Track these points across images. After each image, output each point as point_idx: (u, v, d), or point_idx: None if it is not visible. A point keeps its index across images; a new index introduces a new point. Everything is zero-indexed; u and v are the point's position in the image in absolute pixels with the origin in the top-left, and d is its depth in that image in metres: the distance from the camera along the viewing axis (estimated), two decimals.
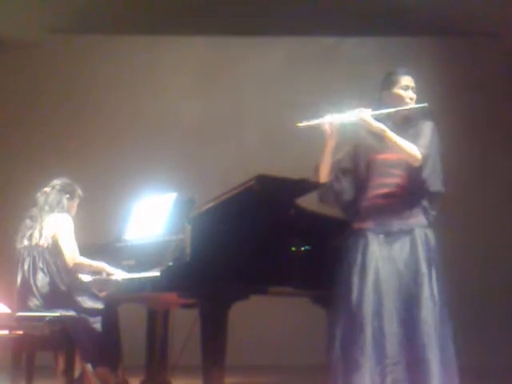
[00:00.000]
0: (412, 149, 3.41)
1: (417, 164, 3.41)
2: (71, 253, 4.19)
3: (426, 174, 3.41)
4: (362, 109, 3.45)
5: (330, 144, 3.53)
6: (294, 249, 3.96)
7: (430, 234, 3.46)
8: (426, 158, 3.41)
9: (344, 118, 3.46)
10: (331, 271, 3.50)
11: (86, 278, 4.34)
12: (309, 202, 4.20)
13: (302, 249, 3.98)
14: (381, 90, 3.59)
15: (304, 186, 4.13)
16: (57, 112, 8.11)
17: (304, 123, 3.50)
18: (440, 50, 7.99)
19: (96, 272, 4.33)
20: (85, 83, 8.16)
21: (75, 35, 8.16)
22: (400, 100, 3.52)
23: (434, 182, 3.45)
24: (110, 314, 4.24)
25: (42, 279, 4.15)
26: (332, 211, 3.94)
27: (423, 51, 7.89)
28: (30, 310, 4.13)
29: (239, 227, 3.86)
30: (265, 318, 7.26)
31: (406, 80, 3.55)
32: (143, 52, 8.27)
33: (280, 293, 4.15)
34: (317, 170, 3.60)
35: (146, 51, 8.27)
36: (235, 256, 3.76)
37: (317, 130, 3.53)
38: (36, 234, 4.24)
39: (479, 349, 7.01)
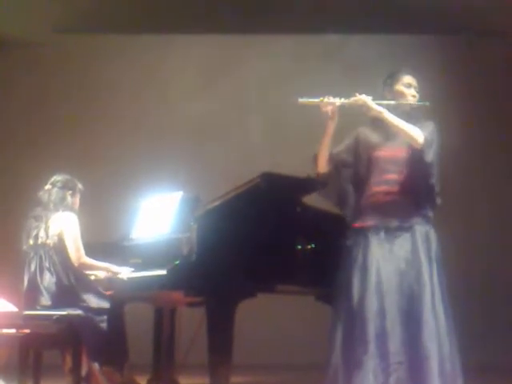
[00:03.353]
0: (414, 130, 3.41)
1: (418, 146, 3.40)
2: (77, 252, 4.20)
3: (429, 158, 3.40)
4: (364, 95, 3.47)
5: (330, 126, 3.53)
6: (300, 247, 3.96)
7: (431, 231, 3.45)
8: (429, 142, 3.41)
9: (345, 101, 3.47)
10: (335, 270, 3.50)
11: (92, 276, 4.35)
12: (315, 200, 4.21)
13: (309, 247, 3.97)
14: (383, 87, 3.61)
15: (310, 183, 4.12)
16: (62, 112, 8.11)
17: (304, 99, 3.50)
18: (444, 48, 7.98)
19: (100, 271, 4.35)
20: (90, 83, 8.16)
21: (80, 35, 8.15)
22: (402, 97, 3.54)
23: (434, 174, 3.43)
24: (116, 313, 4.25)
25: (48, 279, 4.16)
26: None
27: (427, 49, 7.88)
28: (38, 309, 4.14)
29: (245, 225, 3.86)
30: (272, 317, 7.25)
31: (409, 79, 3.58)
32: (148, 51, 8.27)
33: (287, 291, 4.15)
34: (315, 157, 3.60)
35: (150, 50, 8.27)
36: (241, 254, 3.76)
37: (322, 128, 3.54)
38: (42, 233, 4.24)
39: (485, 347, 7.00)
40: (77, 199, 4.43)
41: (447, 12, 7.61)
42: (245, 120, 8.20)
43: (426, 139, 3.41)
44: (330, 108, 3.48)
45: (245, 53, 8.24)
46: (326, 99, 3.48)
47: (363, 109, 3.46)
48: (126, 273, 4.18)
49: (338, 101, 3.47)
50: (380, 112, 3.44)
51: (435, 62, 7.59)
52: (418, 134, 3.41)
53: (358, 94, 3.46)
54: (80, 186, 4.45)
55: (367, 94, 3.51)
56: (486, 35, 7.97)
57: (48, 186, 4.38)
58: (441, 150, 3.51)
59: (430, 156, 3.41)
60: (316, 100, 3.49)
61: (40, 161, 7.73)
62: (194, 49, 8.28)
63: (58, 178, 4.41)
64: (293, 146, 7.78)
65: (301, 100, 3.51)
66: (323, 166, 3.58)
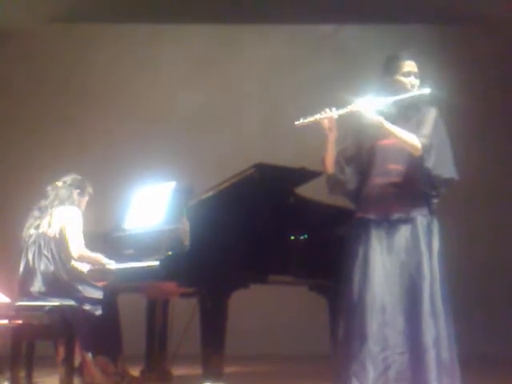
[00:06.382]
0: (412, 139, 3.36)
1: (418, 154, 3.36)
2: (77, 244, 4.22)
3: (430, 163, 3.34)
4: (360, 98, 3.40)
5: (331, 137, 3.50)
6: (293, 237, 3.95)
7: (434, 222, 3.42)
8: (427, 147, 3.35)
9: (341, 112, 3.44)
10: (334, 260, 3.49)
11: (84, 268, 4.34)
12: (308, 190, 4.19)
13: (302, 237, 3.96)
14: (382, 76, 3.52)
15: (303, 174, 4.11)
16: (55, 102, 8.08)
17: (301, 121, 3.47)
18: (439, 37, 7.96)
19: (95, 263, 4.35)
20: (83, 73, 8.13)
21: (74, 24, 8.12)
22: (401, 87, 3.46)
23: (444, 169, 3.38)
24: (109, 304, 4.26)
25: (45, 266, 4.19)
26: (333, 200, 3.93)
27: (422, 39, 7.85)
28: (32, 295, 4.17)
29: (238, 216, 3.84)
30: (265, 307, 7.26)
31: (408, 65, 3.48)
32: (142, 41, 8.24)
33: (280, 282, 4.14)
34: (322, 162, 3.58)
35: (144, 40, 8.24)
36: (235, 245, 3.75)
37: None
38: (44, 224, 4.28)
39: (484, 339, 7.01)
40: (84, 200, 4.48)
41: (443, 2, 7.61)
42: (239, 110, 8.18)
43: (424, 145, 3.35)
44: (327, 121, 3.45)
45: (239, 43, 8.21)
46: (322, 113, 3.45)
47: (360, 115, 3.40)
48: (113, 264, 4.20)
49: (334, 113, 3.44)
50: (378, 121, 3.38)
51: (431, 52, 7.56)
52: (416, 141, 3.35)
53: (353, 104, 3.40)
54: (90, 189, 4.50)
55: (361, 83, 3.48)
56: (480, 26, 7.97)
57: (58, 183, 4.42)
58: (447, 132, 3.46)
59: (430, 162, 3.35)
60: (313, 119, 3.46)
61: (34, 149, 7.73)
62: (188, 39, 8.25)
63: (69, 176, 4.47)
64: (288, 137, 7.76)
65: (297, 122, 3.47)
66: (331, 167, 3.56)
